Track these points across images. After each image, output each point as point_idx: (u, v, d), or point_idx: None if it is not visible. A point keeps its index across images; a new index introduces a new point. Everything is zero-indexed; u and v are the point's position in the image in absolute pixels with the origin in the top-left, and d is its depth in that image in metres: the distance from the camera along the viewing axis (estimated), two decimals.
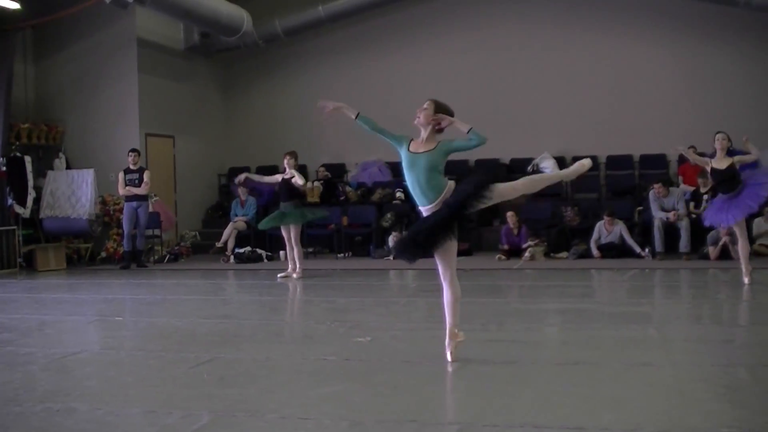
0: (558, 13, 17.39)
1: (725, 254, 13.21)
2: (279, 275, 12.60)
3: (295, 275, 12.43)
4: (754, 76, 16.44)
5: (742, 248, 10.52)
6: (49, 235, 15.29)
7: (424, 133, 6.13)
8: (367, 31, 18.33)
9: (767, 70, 16.37)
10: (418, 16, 18.10)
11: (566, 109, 17.11)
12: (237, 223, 15.88)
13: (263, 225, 12.82)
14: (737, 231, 10.48)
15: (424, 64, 17.86)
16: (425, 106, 6.13)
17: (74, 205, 15.08)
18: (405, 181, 6.09)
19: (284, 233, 12.63)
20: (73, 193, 15.19)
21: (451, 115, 6.13)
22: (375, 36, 18.31)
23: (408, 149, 6.06)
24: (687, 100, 16.67)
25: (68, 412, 4.94)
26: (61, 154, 16.24)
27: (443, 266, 6.03)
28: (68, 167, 16.05)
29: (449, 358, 6.01)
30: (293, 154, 12.75)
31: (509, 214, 14.80)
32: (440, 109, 6.13)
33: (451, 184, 5.98)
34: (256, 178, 13.44)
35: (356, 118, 6.31)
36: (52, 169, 15.84)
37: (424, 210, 6.01)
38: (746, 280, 10.43)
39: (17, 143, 15.29)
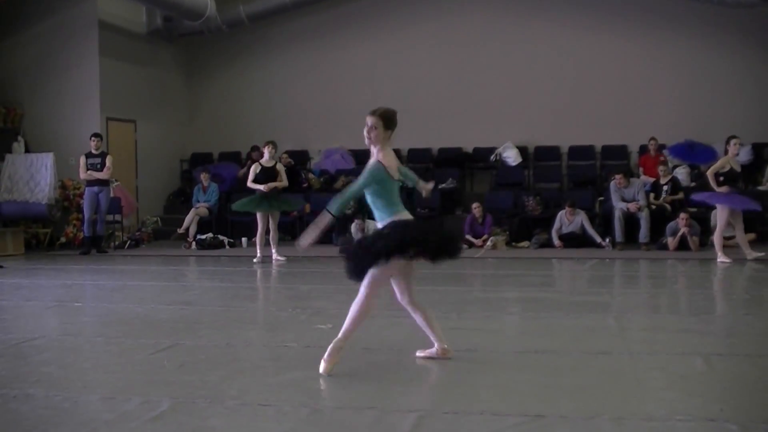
0: (521, 5, 17.46)
1: (683, 245, 13.39)
2: (255, 260, 12.95)
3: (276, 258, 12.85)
4: (716, 67, 16.64)
5: (741, 235, 12.18)
6: (7, 219, 15.08)
7: (380, 153, 5.47)
8: (332, 19, 18.26)
9: (729, 61, 16.58)
10: (382, 5, 18.07)
11: (529, 100, 17.20)
12: (199, 209, 15.77)
13: (238, 206, 13.10)
14: (736, 219, 12.02)
15: (388, 53, 17.85)
16: (373, 124, 5.43)
17: (33, 189, 14.90)
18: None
19: (261, 218, 12.83)
20: (32, 177, 15.00)
21: (394, 126, 5.52)
22: (339, 24, 18.25)
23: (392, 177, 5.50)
24: (649, 91, 16.84)
25: (25, 399, 4.89)
26: (19, 138, 16.00)
27: (410, 282, 5.69)
28: (27, 151, 15.83)
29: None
30: (274, 144, 13.18)
31: (475, 204, 14.84)
32: (390, 121, 5.48)
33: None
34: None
35: (335, 216, 5.64)
36: (10, 152, 15.61)
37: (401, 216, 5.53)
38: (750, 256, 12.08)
39: None
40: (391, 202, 5.54)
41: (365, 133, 5.46)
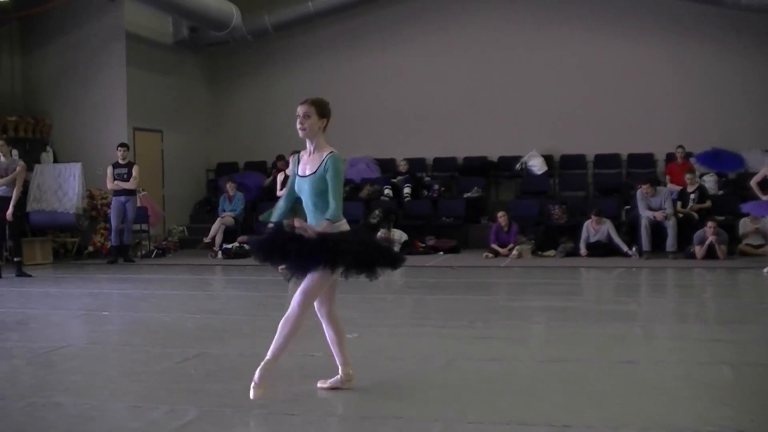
0: (547, 12, 17.39)
1: (711, 253, 13.26)
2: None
3: None
4: (742, 75, 16.48)
5: None
6: (35, 228, 15.21)
7: (311, 145, 5.07)
8: (356, 27, 18.31)
9: (756, 69, 16.43)
10: (407, 14, 18.09)
11: (554, 108, 17.13)
12: (225, 218, 15.83)
13: (264, 217, 13.14)
14: None
15: (412, 61, 17.85)
16: (304, 113, 5.02)
17: (61, 198, 15.00)
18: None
19: None
20: (60, 186, 15.10)
21: (329, 114, 5.13)
22: (364, 32, 18.28)
23: (297, 173, 5.12)
24: (675, 99, 16.71)
25: (53, 407, 4.93)
26: (48, 148, 16.16)
27: (333, 292, 5.33)
28: (55, 161, 15.98)
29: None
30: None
31: (500, 213, 14.80)
32: (323, 108, 5.09)
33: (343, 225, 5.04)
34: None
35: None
36: (39, 162, 15.75)
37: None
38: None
39: (4, 136, 15.19)
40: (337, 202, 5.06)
41: (298, 124, 5.02)
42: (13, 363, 6.28)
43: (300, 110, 5.03)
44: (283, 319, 5.01)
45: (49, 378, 5.81)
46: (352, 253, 4.93)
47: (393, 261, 5.25)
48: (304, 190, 5.05)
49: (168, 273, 13.23)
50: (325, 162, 4.96)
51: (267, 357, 4.94)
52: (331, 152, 5.01)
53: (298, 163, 5.15)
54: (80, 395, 5.24)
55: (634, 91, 16.91)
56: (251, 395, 4.84)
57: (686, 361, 6.04)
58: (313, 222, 4.99)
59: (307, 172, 5.03)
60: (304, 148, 5.14)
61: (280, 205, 5.38)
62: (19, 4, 15.02)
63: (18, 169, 12.30)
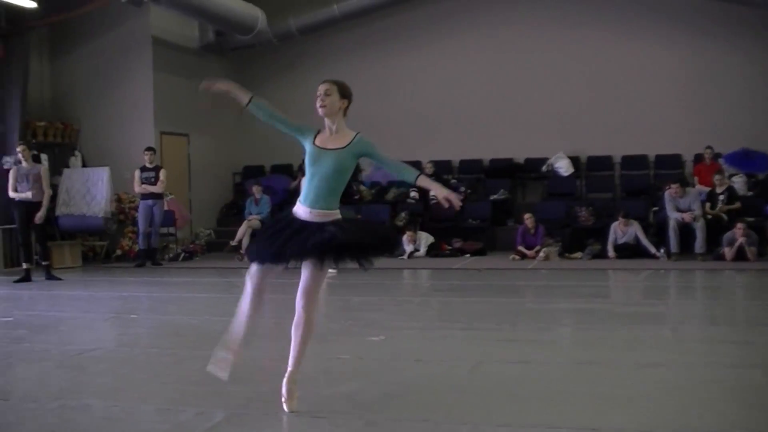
0: (572, 14, 17.30)
1: (741, 255, 13.14)
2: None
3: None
4: None
5: None
6: (64, 232, 15.36)
7: (332, 125, 5.02)
8: (382, 30, 18.31)
9: None
10: (432, 16, 18.07)
11: (581, 109, 17.03)
12: (251, 221, 15.88)
13: None
14: None
15: (437, 63, 17.84)
16: (326, 90, 5.02)
17: (89, 203, 15.14)
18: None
19: None
20: (88, 191, 15.24)
21: (350, 97, 5.11)
22: (388, 35, 18.28)
23: (314, 142, 5.00)
24: (703, 99, 16.55)
25: (83, 409, 4.97)
26: (76, 152, 16.30)
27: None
28: (84, 165, 16.12)
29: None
30: None
31: (527, 215, 14.76)
32: (345, 89, 5.07)
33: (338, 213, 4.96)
34: None
35: (248, 104, 5.50)
36: (67, 167, 15.90)
37: (303, 210, 4.92)
38: None
39: (33, 141, 15.36)
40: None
41: (318, 102, 5.00)
42: (43, 365, 6.34)
43: (321, 88, 5.02)
44: (293, 326, 4.93)
45: (79, 380, 5.86)
46: (345, 243, 4.78)
47: (385, 245, 5.10)
48: (323, 163, 4.92)
49: (195, 276, 13.30)
50: (355, 141, 4.98)
51: (289, 368, 4.89)
52: (359, 133, 5.03)
53: (316, 135, 5.04)
54: (110, 397, 5.28)
55: (662, 91, 16.78)
56: (285, 409, 4.80)
57: (716, 364, 5.98)
58: (324, 202, 4.87)
59: (330, 146, 4.96)
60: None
61: (269, 111, 5.54)
62: (48, 10, 15.17)
63: (42, 175, 12.47)
